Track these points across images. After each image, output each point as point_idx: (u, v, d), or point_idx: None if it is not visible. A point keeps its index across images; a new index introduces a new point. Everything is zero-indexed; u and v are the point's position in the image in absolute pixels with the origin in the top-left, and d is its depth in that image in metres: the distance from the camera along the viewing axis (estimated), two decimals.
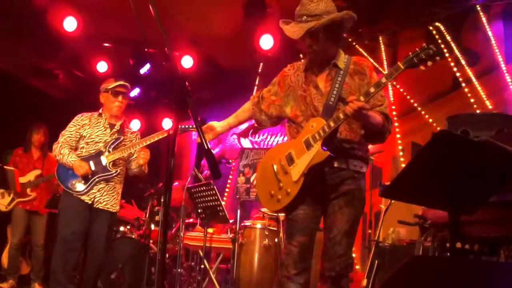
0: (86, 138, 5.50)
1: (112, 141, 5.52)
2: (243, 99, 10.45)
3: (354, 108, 3.32)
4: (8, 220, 7.80)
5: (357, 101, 3.33)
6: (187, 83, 2.77)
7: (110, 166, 5.43)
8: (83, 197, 5.35)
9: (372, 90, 3.38)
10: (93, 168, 5.37)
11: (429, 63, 3.29)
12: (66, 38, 8.92)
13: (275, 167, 3.72)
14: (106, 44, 9.72)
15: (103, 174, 5.40)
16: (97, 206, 5.37)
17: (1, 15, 8.39)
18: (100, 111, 5.70)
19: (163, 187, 2.45)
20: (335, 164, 3.60)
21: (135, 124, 10.48)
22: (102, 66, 9.91)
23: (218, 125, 4.14)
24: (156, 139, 5.36)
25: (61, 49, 9.66)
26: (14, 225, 7.72)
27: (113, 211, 5.51)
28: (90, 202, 5.35)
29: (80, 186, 5.33)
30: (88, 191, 5.34)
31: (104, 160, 5.42)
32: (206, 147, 2.67)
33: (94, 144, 5.48)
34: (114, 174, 5.46)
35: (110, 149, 5.46)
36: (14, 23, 8.58)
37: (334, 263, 3.57)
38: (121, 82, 5.64)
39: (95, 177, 5.37)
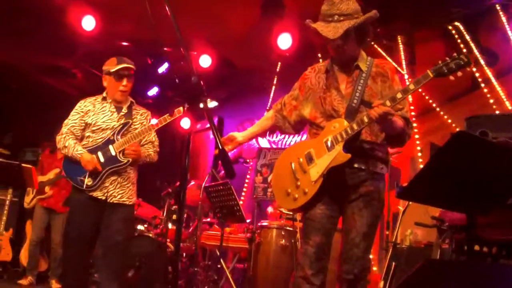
0: (92, 125, 4.91)
1: (120, 127, 4.94)
2: (259, 99, 10.56)
3: (379, 112, 3.29)
4: (27, 217, 7.89)
5: (383, 105, 3.31)
6: (201, 83, 2.77)
7: (121, 155, 4.85)
8: (95, 193, 4.79)
9: (399, 95, 3.35)
10: (102, 160, 4.81)
11: (459, 73, 3.26)
12: (84, 37, 8.96)
13: (293, 165, 3.69)
14: (124, 43, 9.75)
15: (113, 165, 4.83)
16: (111, 201, 4.81)
17: (19, 13, 8.46)
18: (104, 94, 5.09)
19: (178, 186, 2.44)
20: (355, 165, 3.56)
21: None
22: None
23: (239, 135, 4.04)
24: (168, 121, 4.83)
25: (79, 47, 9.73)
26: (34, 222, 7.85)
27: (130, 203, 4.96)
28: (104, 198, 4.80)
29: (90, 181, 4.77)
30: (100, 186, 4.80)
31: (113, 149, 4.84)
32: (219, 147, 2.65)
33: (101, 132, 4.90)
34: (126, 164, 4.88)
35: (119, 137, 4.89)
36: (31, 21, 8.63)
37: (352, 265, 3.53)
38: (125, 64, 4.98)
39: (106, 170, 4.81)
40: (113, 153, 4.84)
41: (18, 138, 9.55)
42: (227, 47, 9.43)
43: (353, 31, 3.56)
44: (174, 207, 7.51)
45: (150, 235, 7.16)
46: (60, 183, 7.86)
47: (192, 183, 8.29)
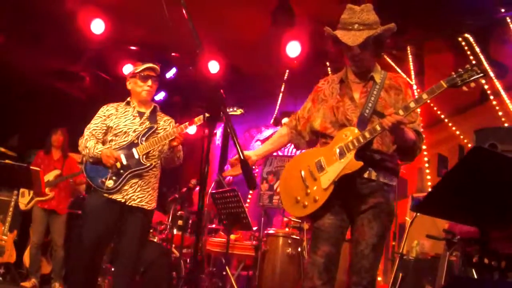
0: (114, 129, 4.85)
1: (145, 131, 4.87)
2: (266, 106, 10.52)
3: (392, 121, 3.29)
4: (31, 220, 7.87)
5: (396, 114, 3.30)
6: (222, 91, 2.77)
7: (144, 159, 4.78)
8: (114, 196, 4.69)
9: (412, 105, 3.35)
10: (124, 162, 4.72)
11: (472, 84, 3.25)
12: (93, 41, 8.98)
13: (303, 172, 3.67)
14: (132, 47, 9.78)
15: (136, 169, 4.74)
16: (130, 204, 4.71)
17: (28, 17, 8.48)
18: (128, 99, 5.04)
19: (199, 193, 2.41)
20: (365, 175, 3.54)
21: None
22: (128, 69, 9.94)
23: (252, 154, 3.98)
24: (190, 127, 4.71)
25: (88, 51, 9.75)
26: (34, 224, 7.80)
27: (149, 208, 4.84)
28: (123, 201, 4.69)
29: (111, 183, 4.67)
30: (120, 188, 4.70)
31: (136, 153, 4.77)
32: (241, 157, 2.63)
33: (124, 135, 4.83)
34: (149, 168, 4.81)
35: (143, 140, 4.81)
36: (40, 25, 8.66)
37: (361, 277, 3.51)
38: (150, 65, 4.95)
39: (127, 172, 4.72)
40: (137, 156, 4.77)
41: (24, 140, 9.56)
42: (236, 53, 9.43)
43: (372, 42, 3.57)
44: (179, 212, 7.48)
45: (155, 240, 7.14)
46: (59, 184, 7.86)
47: (198, 188, 8.28)
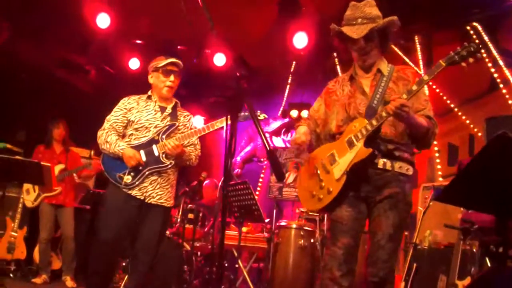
0: (135, 123, 4.78)
1: (166, 127, 4.80)
2: (274, 98, 10.51)
3: (396, 105, 3.34)
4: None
5: (400, 99, 3.36)
6: (243, 82, 2.76)
7: (164, 157, 4.72)
8: (133, 192, 4.66)
9: (414, 87, 3.42)
10: (144, 159, 4.67)
11: (471, 60, 3.33)
12: (99, 34, 8.95)
13: (317, 167, 3.75)
14: (137, 41, 9.75)
15: (155, 166, 4.70)
16: (149, 201, 4.68)
17: (34, 8, 8.44)
18: (149, 93, 4.97)
19: (222, 187, 2.40)
20: (379, 165, 3.58)
21: None
22: (134, 63, 9.94)
23: (302, 135, 3.92)
24: (216, 127, 4.63)
25: (93, 44, 9.72)
26: (42, 220, 7.74)
27: (168, 205, 4.83)
28: (142, 198, 4.66)
29: (129, 179, 4.63)
30: (139, 185, 4.66)
31: (156, 150, 4.71)
32: (268, 148, 2.61)
33: (145, 130, 4.77)
34: (169, 166, 4.76)
35: (163, 137, 4.75)
36: (45, 18, 8.62)
37: (378, 268, 3.54)
38: (173, 59, 4.90)
39: (146, 169, 4.68)
40: (156, 153, 4.73)
41: (31, 136, 9.52)
42: (243, 45, 9.40)
43: (376, 35, 3.68)
44: (189, 206, 7.46)
45: (166, 234, 7.12)
46: (65, 178, 7.82)
47: (207, 181, 8.27)
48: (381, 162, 3.58)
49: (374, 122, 3.49)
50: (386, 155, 3.59)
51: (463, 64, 3.33)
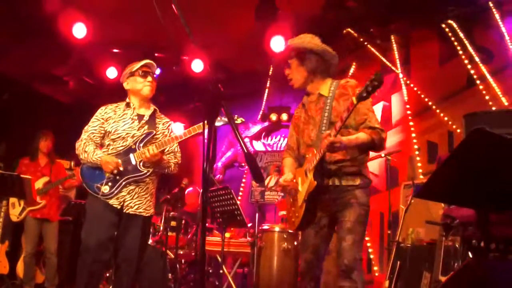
0: (112, 133, 4.73)
1: (143, 136, 4.74)
2: (253, 103, 10.50)
3: (325, 145, 3.62)
4: (23, 229, 7.76)
5: (329, 137, 3.60)
6: (219, 85, 2.76)
7: (141, 165, 4.67)
8: (111, 201, 4.62)
9: (338, 124, 3.63)
10: (121, 168, 4.62)
11: (376, 93, 3.52)
12: (76, 45, 8.87)
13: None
14: (115, 50, 9.71)
15: (133, 175, 4.65)
16: (127, 211, 4.63)
17: (10, 20, 8.37)
18: (127, 100, 4.89)
19: (202, 193, 2.34)
20: (330, 183, 3.95)
21: None
22: (111, 72, 9.89)
23: (288, 178, 4.23)
24: (194, 133, 4.55)
25: (70, 55, 9.66)
26: (26, 234, 7.66)
27: (147, 215, 4.76)
28: (119, 207, 4.61)
29: (106, 189, 4.60)
30: (117, 194, 4.62)
31: (133, 159, 4.66)
32: (245, 151, 2.61)
33: (122, 140, 4.71)
34: (146, 174, 4.70)
35: (141, 146, 4.70)
36: (22, 28, 8.55)
37: (342, 257, 3.80)
38: (148, 61, 4.85)
39: (124, 179, 4.64)
40: (134, 162, 4.68)
41: (11, 149, 9.42)
42: (221, 50, 9.39)
43: (294, 60, 4.13)
44: (172, 213, 7.42)
45: (149, 243, 7.07)
46: (49, 191, 7.71)
47: (190, 188, 8.24)
48: (330, 181, 3.95)
49: (317, 157, 3.79)
50: (333, 174, 3.94)
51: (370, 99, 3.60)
